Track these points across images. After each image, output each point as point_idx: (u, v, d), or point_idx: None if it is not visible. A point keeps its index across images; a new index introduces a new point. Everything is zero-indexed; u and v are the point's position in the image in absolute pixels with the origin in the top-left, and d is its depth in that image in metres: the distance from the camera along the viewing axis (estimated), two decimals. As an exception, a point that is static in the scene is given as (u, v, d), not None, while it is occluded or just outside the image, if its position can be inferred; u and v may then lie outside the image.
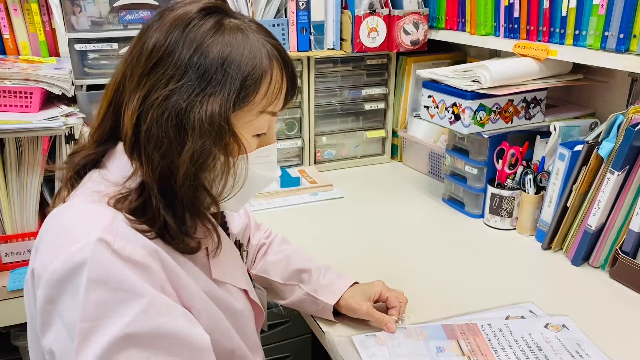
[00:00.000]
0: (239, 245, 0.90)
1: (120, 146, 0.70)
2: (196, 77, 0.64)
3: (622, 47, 1.14)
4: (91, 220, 0.63)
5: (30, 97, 1.24)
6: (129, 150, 0.67)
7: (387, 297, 0.98)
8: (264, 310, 0.91)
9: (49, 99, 1.33)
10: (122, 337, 0.59)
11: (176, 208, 0.67)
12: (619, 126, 1.13)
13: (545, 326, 0.96)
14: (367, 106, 1.80)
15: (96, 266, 0.59)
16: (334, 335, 0.96)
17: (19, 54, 1.43)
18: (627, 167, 1.12)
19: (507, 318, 0.99)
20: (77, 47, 1.38)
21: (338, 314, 0.99)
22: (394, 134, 1.86)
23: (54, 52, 1.47)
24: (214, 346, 0.68)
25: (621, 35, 1.13)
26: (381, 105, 1.83)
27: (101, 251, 0.60)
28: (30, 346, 0.70)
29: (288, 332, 1.50)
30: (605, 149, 1.13)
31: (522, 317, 0.99)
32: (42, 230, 0.66)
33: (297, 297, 1.00)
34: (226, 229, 0.87)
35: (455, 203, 1.51)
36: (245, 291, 0.82)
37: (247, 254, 0.98)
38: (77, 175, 0.72)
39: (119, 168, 0.69)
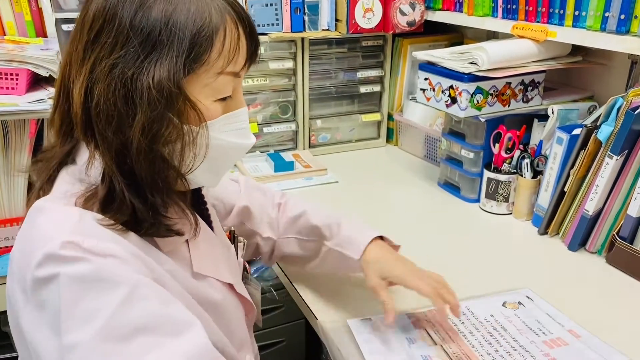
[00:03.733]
0: (233, 237, 0.86)
1: None
2: (140, 42, 0.59)
3: (623, 28, 1.11)
4: (58, 223, 0.60)
5: (16, 79, 1.21)
6: (82, 131, 0.62)
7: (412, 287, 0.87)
8: (255, 305, 0.86)
9: (36, 81, 1.30)
10: (108, 327, 0.55)
11: (140, 188, 0.63)
12: (618, 109, 1.11)
13: (503, 304, 0.97)
14: (363, 89, 1.78)
15: (68, 265, 0.56)
16: (327, 320, 0.95)
17: (4, 34, 1.39)
18: (626, 151, 1.10)
19: (503, 304, 0.98)
20: (65, 27, 1.34)
21: None
22: (390, 117, 1.84)
23: (41, 32, 1.43)
24: None
25: (622, 16, 1.10)
26: (377, 88, 1.80)
27: (72, 251, 0.56)
28: (15, 337, 0.68)
29: (282, 317, 1.49)
30: (604, 132, 1.11)
31: (520, 302, 0.98)
32: (16, 237, 0.64)
33: (325, 254, 0.96)
34: (209, 222, 0.82)
35: (451, 187, 1.49)
36: (231, 285, 0.78)
37: (245, 245, 0.93)
38: (48, 179, 0.68)
39: (83, 160, 0.65)
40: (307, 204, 1.04)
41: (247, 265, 0.91)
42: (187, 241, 0.70)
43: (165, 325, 0.58)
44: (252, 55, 0.68)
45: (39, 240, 0.58)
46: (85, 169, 0.64)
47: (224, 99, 0.67)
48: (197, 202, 0.80)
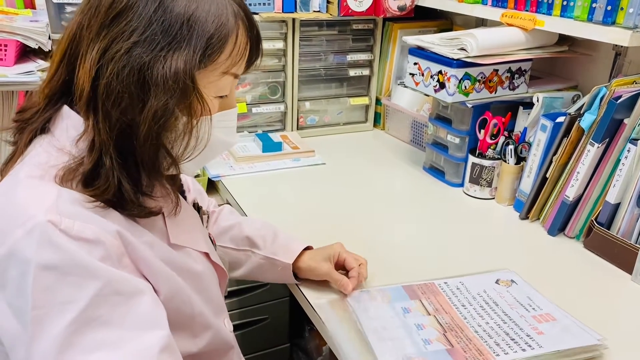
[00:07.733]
0: (197, 208, 0.88)
1: (65, 109, 0.67)
2: (161, 31, 0.61)
3: (609, 19, 1.13)
4: (36, 200, 0.60)
5: (5, 50, 1.20)
6: (85, 105, 0.63)
7: (344, 258, 0.97)
8: (227, 271, 0.90)
9: (25, 53, 1.29)
10: (79, 321, 0.57)
11: (131, 168, 0.64)
12: (601, 99, 1.14)
13: (497, 282, 1.01)
14: (352, 72, 1.79)
15: (44, 250, 0.57)
16: (313, 297, 0.97)
17: (-8, 5, 1.38)
18: (607, 139, 1.14)
19: (497, 282, 1.01)
20: (54, -1, 1.33)
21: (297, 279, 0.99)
22: (378, 101, 1.85)
23: (30, 4, 1.42)
24: (173, 314, 0.67)
25: (609, 7, 1.13)
26: (366, 72, 1.81)
27: (48, 234, 0.57)
28: None
29: (266, 294, 1.51)
30: (586, 120, 1.14)
31: (512, 280, 1.02)
32: None
33: (254, 263, 0.99)
34: (182, 193, 0.84)
35: (436, 172, 1.52)
36: (207, 254, 0.80)
37: (208, 217, 0.96)
38: (27, 139, 0.68)
39: (66, 132, 0.65)
40: (239, 217, 1.07)
41: (212, 236, 0.94)
42: (163, 214, 0.72)
43: (130, 321, 0.60)
44: (253, 62, 0.72)
45: (14, 217, 0.59)
46: (75, 140, 0.64)
47: (220, 97, 0.70)
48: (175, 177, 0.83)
